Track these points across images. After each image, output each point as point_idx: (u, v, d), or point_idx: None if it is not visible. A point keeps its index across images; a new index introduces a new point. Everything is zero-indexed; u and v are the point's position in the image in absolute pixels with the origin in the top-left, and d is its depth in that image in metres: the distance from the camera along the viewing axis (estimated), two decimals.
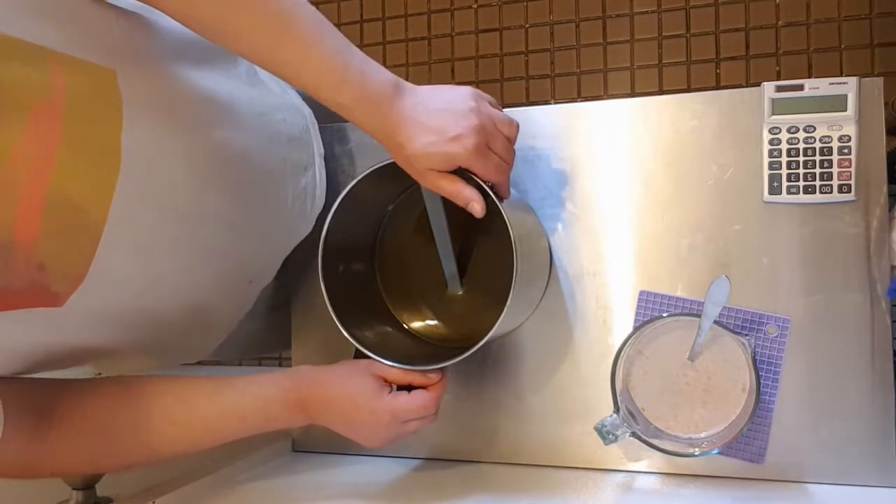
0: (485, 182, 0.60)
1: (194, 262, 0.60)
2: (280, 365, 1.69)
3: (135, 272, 0.54)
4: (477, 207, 0.59)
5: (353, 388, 0.62)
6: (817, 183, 0.66)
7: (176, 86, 0.56)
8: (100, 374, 1.01)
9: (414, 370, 0.63)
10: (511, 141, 0.62)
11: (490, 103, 0.62)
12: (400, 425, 0.62)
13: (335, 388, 0.62)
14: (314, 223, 0.75)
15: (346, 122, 0.75)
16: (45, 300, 0.48)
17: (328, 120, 0.79)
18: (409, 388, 0.64)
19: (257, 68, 0.69)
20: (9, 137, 0.43)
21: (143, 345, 0.62)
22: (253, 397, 0.62)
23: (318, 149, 0.76)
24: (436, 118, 0.57)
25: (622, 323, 0.72)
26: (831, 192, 0.66)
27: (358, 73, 0.55)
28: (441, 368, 0.64)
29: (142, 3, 0.54)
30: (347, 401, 0.62)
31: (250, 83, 0.66)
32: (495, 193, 0.61)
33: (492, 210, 0.61)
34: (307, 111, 0.76)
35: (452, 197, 0.60)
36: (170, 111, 0.55)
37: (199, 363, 0.82)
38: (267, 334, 0.89)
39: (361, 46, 0.57)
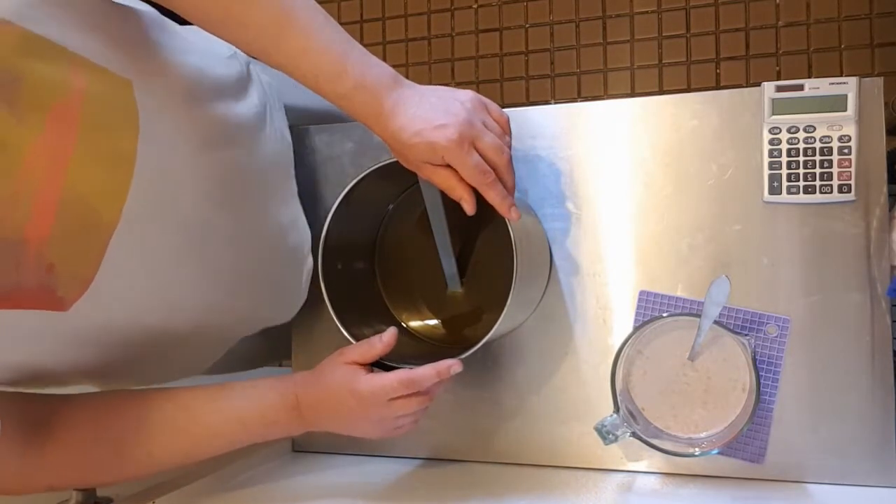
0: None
1: (197, 279, 0.60)
2: (280, 366, 1.69)
3: (139, 284, 0.55)
4: (467, 206, 0.59)
5: (331, 380, 0.61)
6: (817, 183, 0.66)
7: (189, 102, 0.57)
8: None
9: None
10: (499, 147, 0.59)
11: (491, 111, 0.61)
12: (386, 406, 0.60)
13: (319, 386, 0.62)
14: (307, 292, 0.76)
15: (347, 121, 0.76)
16: (51, 303, 0.48)
17: (329, 120, 0.79)
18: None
19: (258, 110, 0.70)
20: (26, 135, 0.43)
21: (138, 363, 0.62)
22: (252, 402, 0.62)
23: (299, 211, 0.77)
24: (427, 109, 0.57)
25: (622, 323, 0.72)
26: (831, 192, 0.66)
27: (358, 64, 0.56)
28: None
29: (159, 22, 0.55)
30: (330, 395, 0.61)
31: (254, 112, 0.67)
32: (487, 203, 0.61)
33: (492, 210, 0.61)
34: (289, 140, 0.77)
35: (447, 191, 0.60)
36: (183, 126, 0.55)
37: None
38: (265, 347, 0.88)
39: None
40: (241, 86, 0.67)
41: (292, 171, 0.75)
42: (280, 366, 1.69)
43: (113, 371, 0.61)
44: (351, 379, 0.60)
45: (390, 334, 0.62)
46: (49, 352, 0.53)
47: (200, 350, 0.71)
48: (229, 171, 0.61)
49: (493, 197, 0.59)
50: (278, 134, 0.73)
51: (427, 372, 0.60)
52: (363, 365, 0.62)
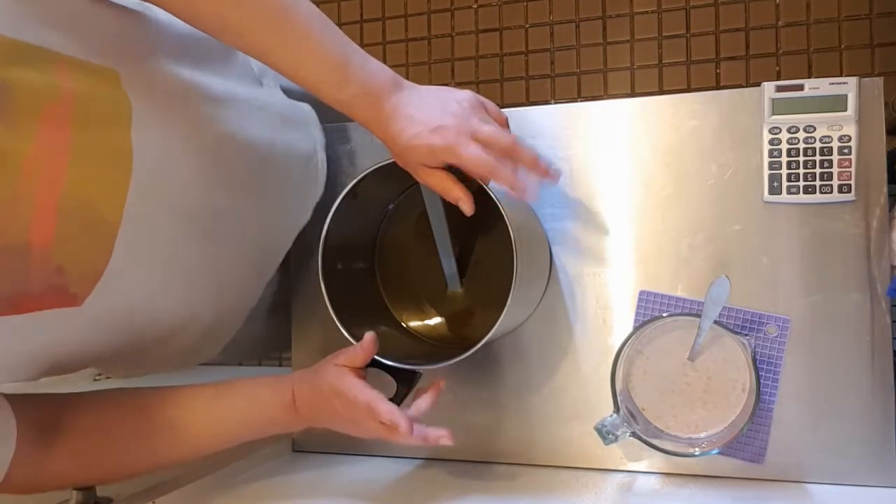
0: (478, 179, 0.60)
1: (205, 259, 0.61)
2: (280, 364, 1.69)
3: (150, 270, 0.55)
4: (465, 206, 0.59)
5: (321, 380, 0.61)
6: (817, 183, 0.66)
7: (178, 83, 0.56)
8: (99, 375, 1.01)
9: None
10: (499, 133, 0.59)
11: (490, 110, 0.61)
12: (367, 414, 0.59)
13: (311, 384, 0.62)
14: (311, 213, 0.75)
15: (347, 121, 0.76)
16: (65, 301, 0.49)
17: (328, 120, 0.79)
18: (407, 387, 0.64)
19: (253, 65, 0.69)
20: (21, 142, 0.43)
21: (153, 346, 0.62)
22: (251, 401, 0.63)
23: (319, 139, 0.76)
24: (424, 111, 0.57)
25: (622, 323, 0.72)
26: (831, 192, 0.66)
27: (358, 70, 0.56)
28: (437, 368, 0.64)
29: (143, 1, 0.54)
30: (320, 394, 0.61)
31: (244, 82, 0.67)
32: (495, 192, 0.61)
33: (492, 210, 0.61)
34: (305, 105, 0.76)
35: (442, 193, 0.60)
36: (175, 108, 0.55)
37: (200, 363, 0.82)
38: (268, 336, 0.89)
39: (361, 46, 0.58)
40: (225, 61, 0.65)
41: (307, 133, 0.74)
42: (280, 365, 1.70)
43: (128, 356, 0.62)
44: (337, 381, 0.60)
45: (368, 341, 0.61)
46: (67, 345, 0.53)
47: (216, 329, 0.71)
48: (229, 147, 0.60)
49: (504, 180, 0.59)
50: (274, 90, 0.72)
51: (387, 410, 0.58)
52: (354, 367, 0.62)
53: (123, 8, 0.54)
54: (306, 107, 0.76)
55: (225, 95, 0.61)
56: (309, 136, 0.75)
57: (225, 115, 0.60)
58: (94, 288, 0.50)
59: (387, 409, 0.58)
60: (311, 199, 0.75)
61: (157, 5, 0.53)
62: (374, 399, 0.58)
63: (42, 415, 0.57)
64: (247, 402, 0.63)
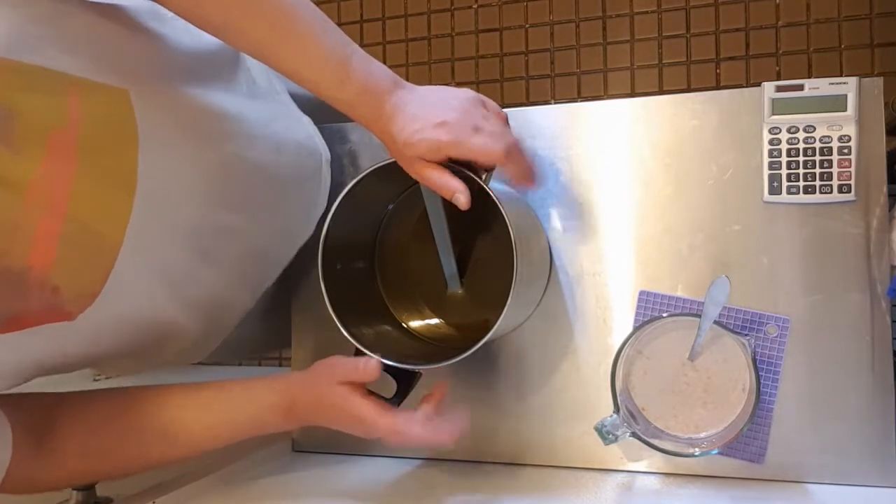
0: (481, 168, 0.60)
1: (205, 275, 0.60)
2: (280, 364, 1.70)
3: (147, 287, 0.55)
4: (461, 199, 0.59)
5: (326, 397, 0.61)
6: (817, 183, 0.66)
7: (186, 102, 0.56)
8: (99, 375, 1.01)
9: (408, 367, 0.63)
10: (500, 132, 0.59)
11: (489, 108, 0.61)
12: (369, 426, 0.60)
13: (314, 396, 0.62)
14: (315, 227, 0.75)
15: (346, 121, 0.76)
16: (59, 316, 0.49)
17: (327, 120, 0.79)
18: (407, 387, 0.64)
19: (256, 80, 0.69)
20: (26, 168, 0.43)
21: (147, 351, 0.62)
22: (247, 404, 0.62)
23: (325, 154, 0.76)
24: (426, 108, 0.57)
25: (622, 323, 0.72)
26: (831, 192, 0.66)
27: (359, 70, 0.56)
28: (437, 368, 0.63)
29: (149, 10, 0.54)
30: (326, 408, 0.61)
31: (251, 96, 0.66)
32: (495, 192, 0.61)
33: (492, 210, 0.61)
34: (306, 119, 0.76)
35: (438, 188, 0.59)
36: (182, 128, 0.55)
37: (200, 364, 0.82)
38: (266, 335, 0.89)
39: (361, 46, 0.58)
40: (231, 77, 0.65)
41: (312, 147, 0.74)
42: (280, 365, 1.70)
43: (121, 358, 0.62)
44: (344, 401, 0.60)
45: (374, 368, 0.60)
46: (58, 355, 0.53)
47: (211, 333, 0.71)
48: (235, 166, 0.60)
49: (515, 169, 0.60)
50: (285, 107, 0.72)
51: (417, 434, 0.59)
52: (357, 383, 0.61)
53: (132, 26, 0.54)
54: (307, 120, 0.76)
55: (232, 113, 0.61)
56: (315, 153, 0.75)
57: (232, 134, 0.60)
58: (89, 306, 0.50)
59: (400, 420, 0.59)
60: (315, 214, 0.75)
61: (160, 3, 0.53)
62: (393, 424, 0.59)
63: (38, 415, 0.57)
64: (243, 407, 0.62)
